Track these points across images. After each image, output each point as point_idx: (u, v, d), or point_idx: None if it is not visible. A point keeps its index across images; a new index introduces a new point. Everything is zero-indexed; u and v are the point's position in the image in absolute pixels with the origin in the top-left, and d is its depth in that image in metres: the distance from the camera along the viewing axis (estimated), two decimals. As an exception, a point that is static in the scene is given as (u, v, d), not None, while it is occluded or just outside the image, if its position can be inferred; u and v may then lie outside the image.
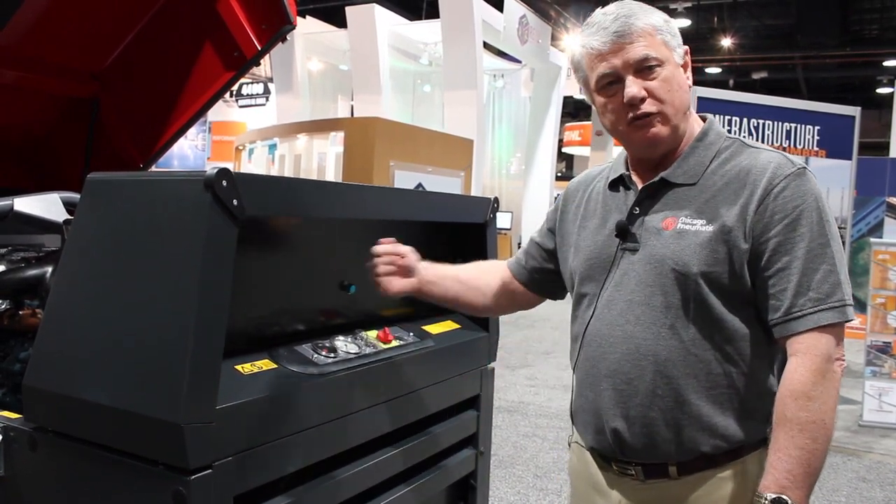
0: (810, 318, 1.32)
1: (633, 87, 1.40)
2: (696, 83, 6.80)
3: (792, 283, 1.33)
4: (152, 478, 1.30)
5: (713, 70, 17.48)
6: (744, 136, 1.53)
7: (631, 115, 1.42)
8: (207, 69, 3.01)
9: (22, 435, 1.50)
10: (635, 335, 1.43)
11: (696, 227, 1.39)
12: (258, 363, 1.53)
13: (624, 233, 1.47)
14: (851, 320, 1.33)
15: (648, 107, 1.41)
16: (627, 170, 1.55)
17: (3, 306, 2.13)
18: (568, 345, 1.64)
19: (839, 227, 5.99)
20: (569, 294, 1.68)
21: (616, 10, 1.43)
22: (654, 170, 1.50)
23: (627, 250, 1.47)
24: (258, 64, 2.92)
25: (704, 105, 5.94)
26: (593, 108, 1.51)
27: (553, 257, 1.72)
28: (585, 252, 1.55)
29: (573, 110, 21.48)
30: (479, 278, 1.82)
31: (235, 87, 15.49)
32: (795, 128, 6.16)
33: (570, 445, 1.72)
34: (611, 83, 1.43)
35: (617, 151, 1.64)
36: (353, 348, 1.73)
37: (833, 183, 6.34)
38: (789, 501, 1.28)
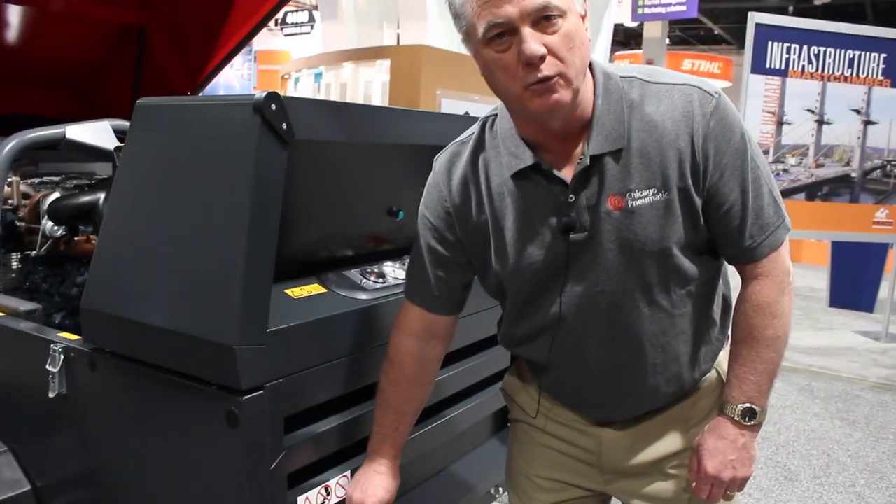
0: (767, 245, 1.33)
1: (532, 43, 1.16)
2: (754, 9, 6.46)
3: (746, 216, 1.31)
4: (206, 398, 1.33)
5: (772, -5, 16.76)
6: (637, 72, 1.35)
7: (530, 77, 1.18)
8: (253, -5, 2.99)
9: (82, 355, 1.54)
10: (617, 322, 1.36)
11: (649, 200, 1.28)
12: (307, 288, 1.55)
13: (571, 227, 1.31)
14: (790, 227, 1.39)
15: (549, 68, 1.18)
16: (536, 155, 1.32)
17: (59, 233, 2.17)
18: None
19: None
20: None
21: None
22: (565, 140, 1.31)
23: (578, 242, 1.32)
24: (303, -10, 2.87)
25: (763, 33, 5.71)
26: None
27: (469, 267, 1.49)
28: (520, 256, 1.37)
29: (624, 38, 20.90)
30: (411, 391, 1.54)
31: (280, 16, 15.37)
32: (859, 56, 5.89)
33: (510, 401, 1.68)
34: (501, 34, 1.18)
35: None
36: (401, 274, 1.74)
37: (896, 114, 6.09)
38: (758, 410, 1.38)
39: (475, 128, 1.44)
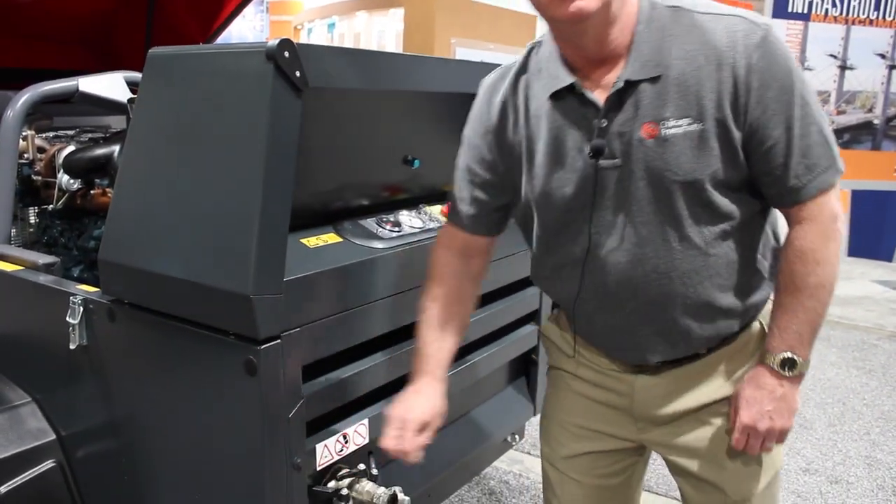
0: (813, 186, 1.28)
1: None
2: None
3: (791, 154, 1.26)
4: (224, 347, 1.34)
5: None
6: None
7: None
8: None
9: (101, 307, 1.56)
10: (648, 256, 1.33)
11: (683, 129, 1.25)
12: (324, 237, 1.55)
13: (600, 152, 1.30)
14: (843, 171, 1.31)
15: None
16: (572, 74, 1.31)
17: (75, 186, 2.18)
18: None
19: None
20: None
21: None
22: (602, 65, 1.30)
23: (608, 168, 1.30)
24: (315, -65, 2.83)
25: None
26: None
27: (505, 189, 1.49)
28: (549, 179, 1.37)
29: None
30: (452, 307, 1.52)
31: (292, -34, 15.13)
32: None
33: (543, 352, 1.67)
34: None
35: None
36: (417, 223, 1.73)
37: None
38: (798, 360, 1.35)
39: (522, 53, 1.45)
